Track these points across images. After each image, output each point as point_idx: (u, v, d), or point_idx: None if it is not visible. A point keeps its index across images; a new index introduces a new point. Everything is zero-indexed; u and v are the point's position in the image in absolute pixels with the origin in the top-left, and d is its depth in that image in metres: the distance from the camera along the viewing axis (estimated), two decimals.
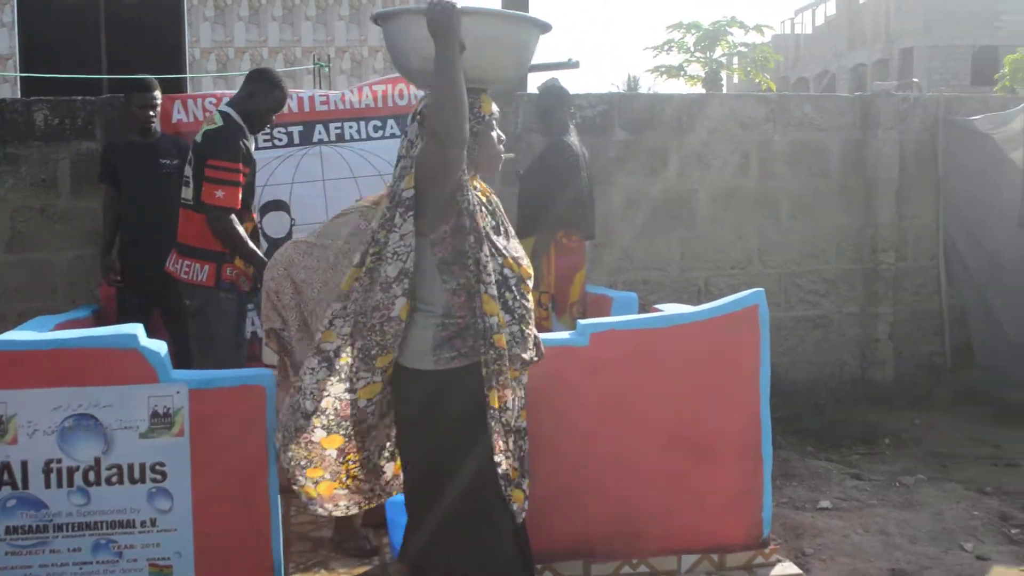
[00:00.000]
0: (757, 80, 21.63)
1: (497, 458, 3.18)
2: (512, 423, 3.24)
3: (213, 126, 4.87)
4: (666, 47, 21.98)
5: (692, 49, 21.86)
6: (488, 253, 3.12)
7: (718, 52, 21.91)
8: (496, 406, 3.16)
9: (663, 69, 22.58)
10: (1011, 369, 7.16)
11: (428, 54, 3.05)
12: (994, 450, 6.26)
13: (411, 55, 3.21)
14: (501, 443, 3.19)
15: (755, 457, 4.15)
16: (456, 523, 3.19)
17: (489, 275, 3.11)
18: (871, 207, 7.65)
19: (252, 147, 5.03)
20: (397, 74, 7.19)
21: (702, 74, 21.93)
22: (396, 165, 3.26)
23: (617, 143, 7.19)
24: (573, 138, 6.15)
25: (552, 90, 6.21)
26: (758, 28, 21.50)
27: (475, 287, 3.10)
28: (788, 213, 7.56)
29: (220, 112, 4.94)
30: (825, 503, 5.27)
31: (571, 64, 6.95)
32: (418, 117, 3.18)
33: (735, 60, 22.83)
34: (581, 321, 4.13)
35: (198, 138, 4.91)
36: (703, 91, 20.60)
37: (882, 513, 5.10)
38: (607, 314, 5.48)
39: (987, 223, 7.39)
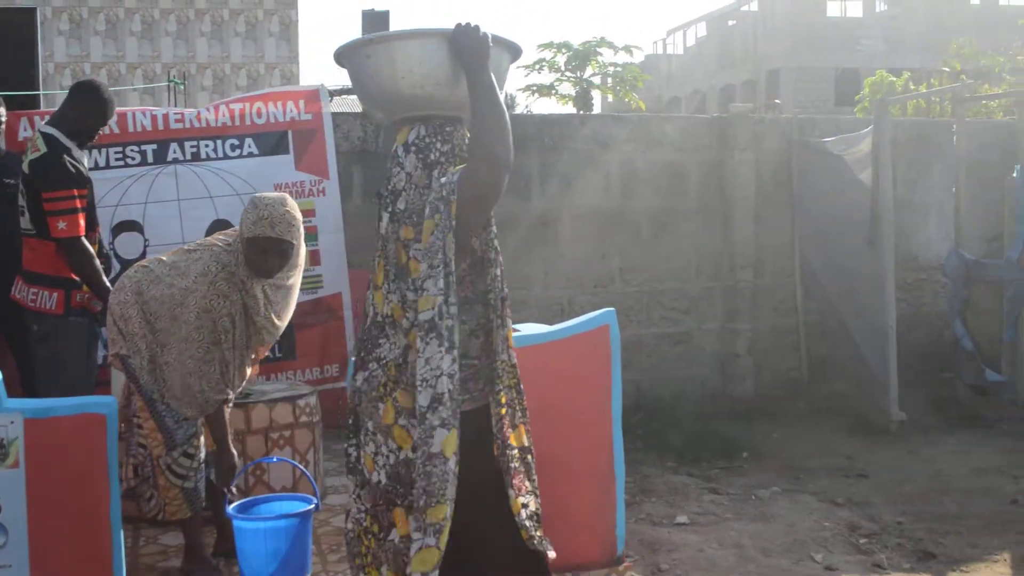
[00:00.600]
0: (627, 100, 21.98)
1: (524, 499, 3.05)
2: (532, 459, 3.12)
3: (37, 154, 4.68)
4: (537, 66, 22.18)
5: (563, 68, 22.11)
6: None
7: (588, 72, 22.20)
8: (526, 443, 3.08)
9: (535, 88, 22.79)
10: (864, 382, 7.38)
11: (442, 79, 2.93)
12: (847, 461, 6.43)
13: (417, 81, 2.95)
14: (528, 483, 3.08)
15: (608, 475, 4.19)
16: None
17: (508, 309, 3.04)
18: (729, 226, 7.82)
19: (84, 161, 4.89)
20: (259, 91, 7.15)
21: (573, 93, 22.20)
22: (395, 200, 3.03)
23: None
24: None
25: None
26: (627, 48, 21.83)
27: (494, 323, 3.00)
28: (649, 232, 7.69)
29: (43, 134, 4.74)
30: (682, 518, 5.34)
31: None
32: (412, 148, 3.01)
33: (608, 80, 23.15)
34: None
35: (25, 167, 4.73)
36: (574, 110, 20.84)
37: (737, 527, 5.20)
38: None
39: (839, 241, 7.61)
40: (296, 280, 4.28)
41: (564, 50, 21.83)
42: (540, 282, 7.41)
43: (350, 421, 3.08)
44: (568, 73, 22.00)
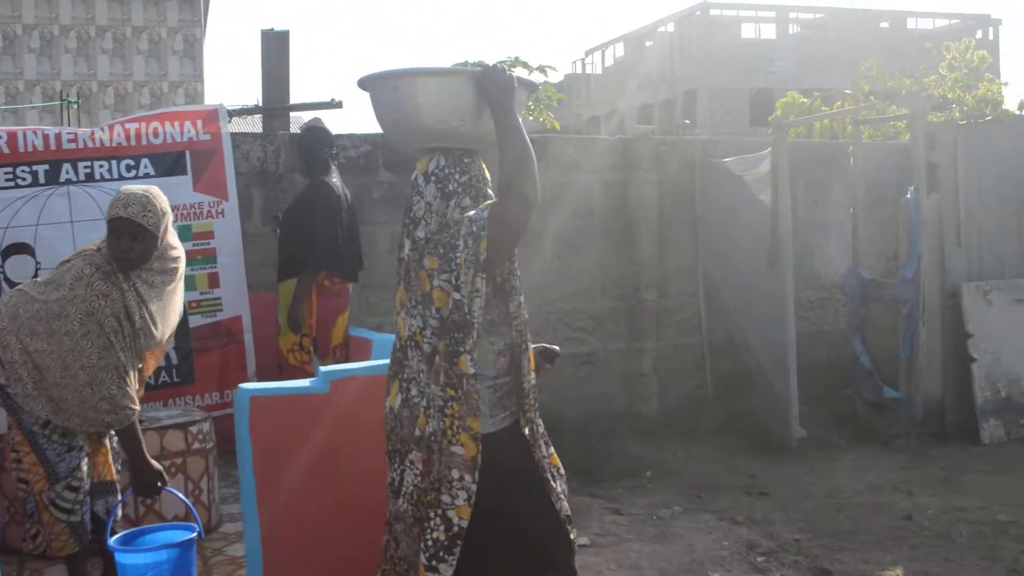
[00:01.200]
0: (542, 119, 22.04)
1: (558, 504, 3.22)
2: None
3: None
4: None
5: None
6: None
7: None
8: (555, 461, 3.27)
9: None
10: (767, 400, 7.46)
11: (466, 115, 3.06)
12: (748, 479, 6.49)
13: (443, 115, 3.09)
14: (558, 489, 3.24)
15: None
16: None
17: (528, 332, 3.19)
18: (633, 246, 7.87)
19: None
20: (155, 111, 7.02)
21: None
22: (415, 227, 3.14)
23: (382, 184, 7.18)
24: (334, 178, 6.11)
25: (313, 130, 6.17)
26: (541, 68, 21.91)
27: (520, 346, 3.15)
28: (554, 253, 7.69)
29: None
30: (583, 540, 5.31)
31: (334, 104, 6.92)
32: (432, 178, 3.12)
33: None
34: (322, 368, 4.08)
35: None
36: None
37: (637, 548, 5.21)
38: (368, 357, 5.44)
39: (741, 261, 7.70)
40: (175, 288, 4.16)
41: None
42: None
43: (390, 446, 3.26)
44: None
